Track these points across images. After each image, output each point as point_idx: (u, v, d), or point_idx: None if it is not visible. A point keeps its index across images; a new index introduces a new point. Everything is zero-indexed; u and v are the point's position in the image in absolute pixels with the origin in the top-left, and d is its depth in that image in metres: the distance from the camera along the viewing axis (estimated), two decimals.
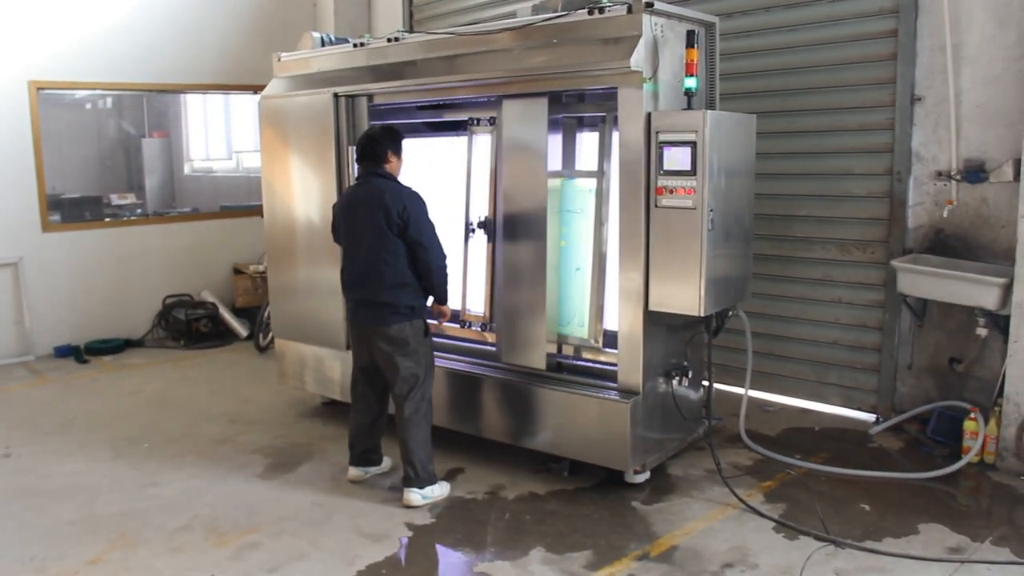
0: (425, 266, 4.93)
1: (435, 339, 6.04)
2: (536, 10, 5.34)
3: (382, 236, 4.87)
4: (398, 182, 5.04)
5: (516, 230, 5.46)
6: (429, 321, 5.15)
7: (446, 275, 5.06)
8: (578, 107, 5.48)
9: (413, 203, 4.92)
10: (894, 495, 4.99)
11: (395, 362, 4.98)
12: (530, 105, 5.28)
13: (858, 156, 6.09)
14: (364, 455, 5.36)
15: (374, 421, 5.32)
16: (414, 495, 4.96)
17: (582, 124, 5.54)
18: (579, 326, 5.38)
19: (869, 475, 5.24)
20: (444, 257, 5.01)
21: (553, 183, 5.32)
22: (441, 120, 6.19)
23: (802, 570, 4.14)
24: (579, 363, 5.48)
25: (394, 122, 6.35)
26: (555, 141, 5.33)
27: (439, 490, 5.08)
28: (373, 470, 5.40)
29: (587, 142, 5.49)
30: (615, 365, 5.14)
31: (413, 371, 5.00)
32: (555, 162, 5.34)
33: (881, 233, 6.03)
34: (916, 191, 5.84)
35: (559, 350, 5.52)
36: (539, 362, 5.41)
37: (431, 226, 4.96)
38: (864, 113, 6.01)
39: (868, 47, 5.92)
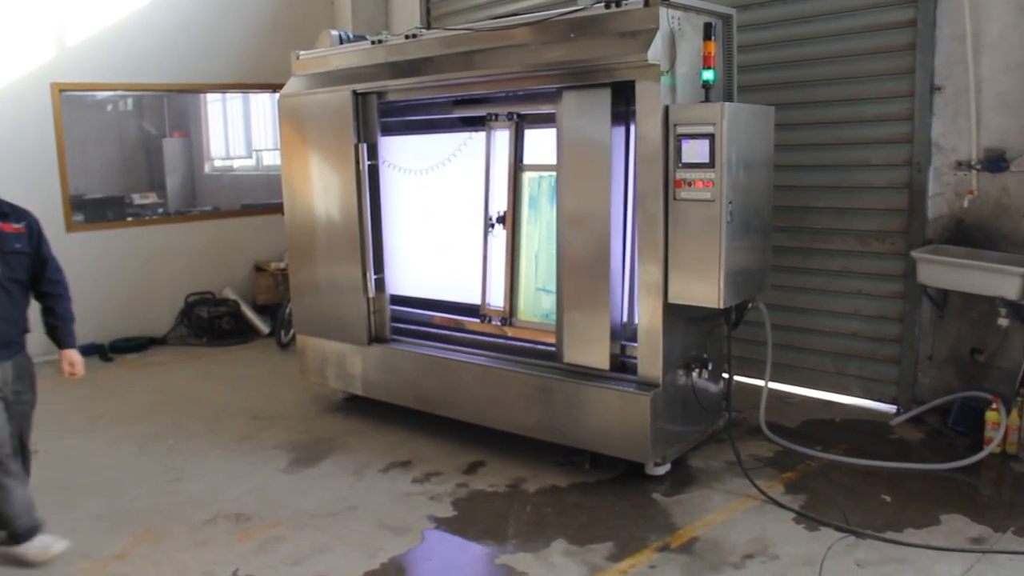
0: None
1: (457, 333, 6.11)
2: None
3: None
4: None
5: (577, 225, 5.27)
6: None
7: None
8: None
9: None
10: (915, 486, 4.98)
11: None
12: (591, 96, 5.08)
13: (877, 147, 6.06)
14: None
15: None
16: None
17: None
18: None
19: (890, 466, 5.23)
20: None
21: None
22: (466, 116, 6.16)
23: (823, 561, 4.15)
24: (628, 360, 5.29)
25: (415, 118, 6.41)
26: (619, 133, 5.14)
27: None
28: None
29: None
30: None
31: None
32: (619, 154, 5.13)
33: (901, 224, 6.00)
34: (936, 181, 5.81)
35: (622, 350, 5.31)
36: (602, 362, 5.25)
37: None
38: (883, 103, 5.99)
39: (886, 37, 5.90)
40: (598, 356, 5.24)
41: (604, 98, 5.03)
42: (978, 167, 5.58)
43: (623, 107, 5.09)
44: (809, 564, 4.14)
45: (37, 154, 8.38)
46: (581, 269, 5.26)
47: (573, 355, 5.35)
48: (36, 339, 4.15)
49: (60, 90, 8.47)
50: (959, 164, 5.69)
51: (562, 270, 5.37)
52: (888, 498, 4.83)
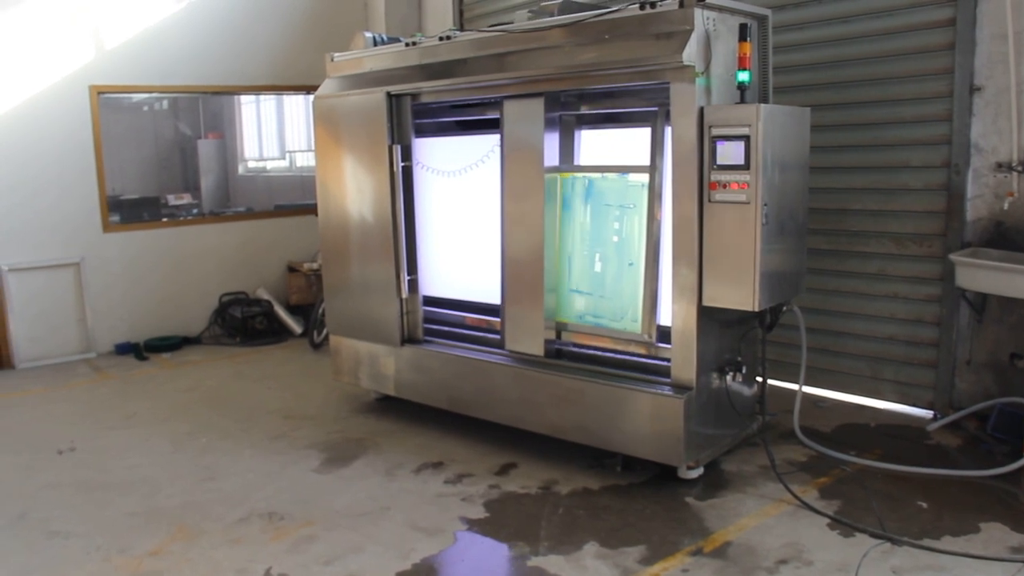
0: None
1: (490, 334, 6.12)
2: (534, 15, 5.51)
3: None
4: None
5: (516, 224, 5.73)
6: None
7: None
8: (627, 101, 5.45)
9: None
10: (953, 493, 4.91)
11: None
12: (527, 105, 5.51)
13: (915, 148, 5.98)
14: None
15: None
16: None
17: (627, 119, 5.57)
18: (632, 321, 5.37)
19: (926, 472, 5.16)
20: None
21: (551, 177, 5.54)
22: (486, 118, 6.18)
23: (858, 567, 4.09)
24: (576, 350, 5.70)
25: (448, 119, 6.42)
26: (552, 139, 5.54)
27: None
28: None
29: (638, 136, 5.46)
30: (639, 355, 5.30)
31: None
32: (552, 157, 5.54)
33: (938, 227, 5.92)
34: (975, 183, 5.73)
35: (558, 336, 5.72)
36: (538, 348, 5.64)
37: None
38: (921, 104, 5.91)
39: (925, 37, 5.82)
40: (534, 344, 5.67)
41: (538, 107, 5.42)
42: (1019, 168, 5.49)
43: (562, 114, 5.54)
44: (844, 570, 4.09)
45: (76, 155, 8.51)
46: (520, 265, 5.67)
47: (513, 344, 5.79)
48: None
49: (98, 92, 8.58)
50: (999, 166, 5.60)
51: (504, 265, 5.77)
52: (925, 505, 4.77)
